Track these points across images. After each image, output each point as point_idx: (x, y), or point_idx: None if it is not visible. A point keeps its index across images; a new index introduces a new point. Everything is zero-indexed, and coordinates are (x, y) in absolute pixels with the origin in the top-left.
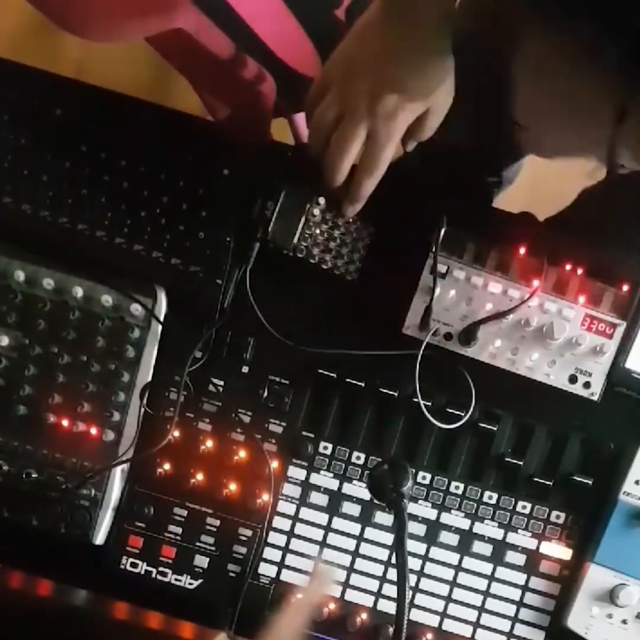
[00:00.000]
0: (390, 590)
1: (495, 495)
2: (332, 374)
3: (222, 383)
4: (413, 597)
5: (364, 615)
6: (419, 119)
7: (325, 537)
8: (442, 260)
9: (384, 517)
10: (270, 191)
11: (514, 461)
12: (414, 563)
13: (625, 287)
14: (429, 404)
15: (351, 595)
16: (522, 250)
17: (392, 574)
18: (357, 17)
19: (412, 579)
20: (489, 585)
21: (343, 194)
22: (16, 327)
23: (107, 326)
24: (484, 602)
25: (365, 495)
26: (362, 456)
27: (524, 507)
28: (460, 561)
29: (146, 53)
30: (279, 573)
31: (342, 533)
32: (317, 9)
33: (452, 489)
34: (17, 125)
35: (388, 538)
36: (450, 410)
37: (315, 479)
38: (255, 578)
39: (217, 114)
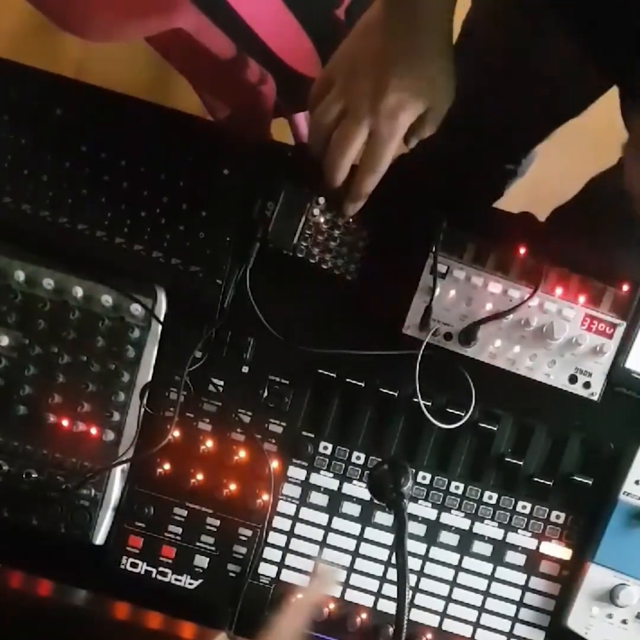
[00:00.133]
0: (390, 590)
1: (495, 495)
2: (332, 374)
3: (222, 383)
4: (413, 597)
5: (364, 615)
6: (420, 116)
7: (325, 537)
8: (442, 260)
9: (384, 517)
10: (270, 191)
11: (514, 461)
12: (414, 563)
13: (625, 287)
14: (429, 404)
15: (351, 595)
16: (522, 250)
17: (392, 574)
18: (357, 17)
19: (412, 579)
20: (489, 585)
21: (343, 194)
22: (16, 327)
23: (107, 326)
24: (484, 602)
25: (365, 495)
26: (362, 456)
27: (524, 507)
28: (460, 561)
29: (146, 53)
30: (279, 573)
31: (342, 533)
32: (317, 9)
33: (452, 489)
34: (17, 125)
35: (388, 538)
36: (450, 410)
37: (315, 479)
38: (255, 578)
39: (217, 114)
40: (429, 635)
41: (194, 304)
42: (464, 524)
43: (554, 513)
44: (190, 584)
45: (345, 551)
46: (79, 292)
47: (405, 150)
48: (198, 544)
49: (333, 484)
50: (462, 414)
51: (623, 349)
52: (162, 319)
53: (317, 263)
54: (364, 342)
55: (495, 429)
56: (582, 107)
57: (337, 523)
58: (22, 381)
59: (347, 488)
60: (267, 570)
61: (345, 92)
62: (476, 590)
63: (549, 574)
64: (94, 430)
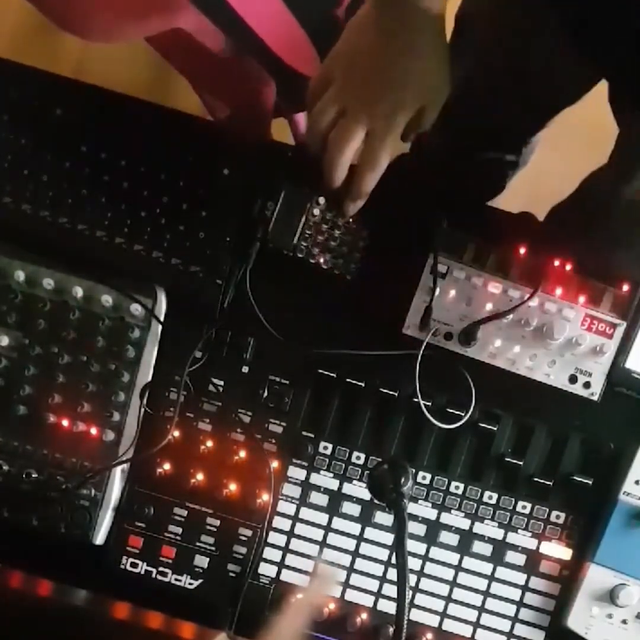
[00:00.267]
0: (390, 590)
1: (495, 495)
2: (332, 374)
3: (222, 383)
4: (413, 597)
5: (364, 615)
6: (417, 113)
7: (325, 537)
8: (442, 260)
9: (384, 517)
10: (270, 191)
11: (514, 461)
12: (414, 563)
13: (625, 287)
14: (429, 404)
15: (351, 595)
16: (522, 250)
17: (392, 574)
18: None
19: (412, 579)
20: (489, 585)
21: (343, 194)
22: (16, 327)
23: (107, 326)
24: (484, 602)
25: (365, 495)
26: (362, 456)
27: (524, 507)
28: (460, 561)
29: (146, 53)
30: (279, 573)
31: (342, 533)
32: (317, 8)
33: (452, 489)
34: (17, 125)
35: (388, 538)
36: (450, 410)
37: (315, 479)
38: (255, 578)
39: (217, 114)
40: (429, 635)
41: (194, 304)
42: (464, 524)
43: (554, 513)
44: (190, 584)
45: (345, 551)
46: (79, 292)
47: (405, 150)
48: (198, 544)
49: (333, 484)
50: (462, 414)
51: (623, 349)
52: (162, 319)
53: (317, 263)
54: (364, 342)
55: (495, 429)
56: (577, 97)
57: (337, 523)
58: (22, 381)
59: (347, 488)
60: (267, 570)
61: (342, 91)
62: (476, 590)
63: (549, 574)
64: (94, 430)
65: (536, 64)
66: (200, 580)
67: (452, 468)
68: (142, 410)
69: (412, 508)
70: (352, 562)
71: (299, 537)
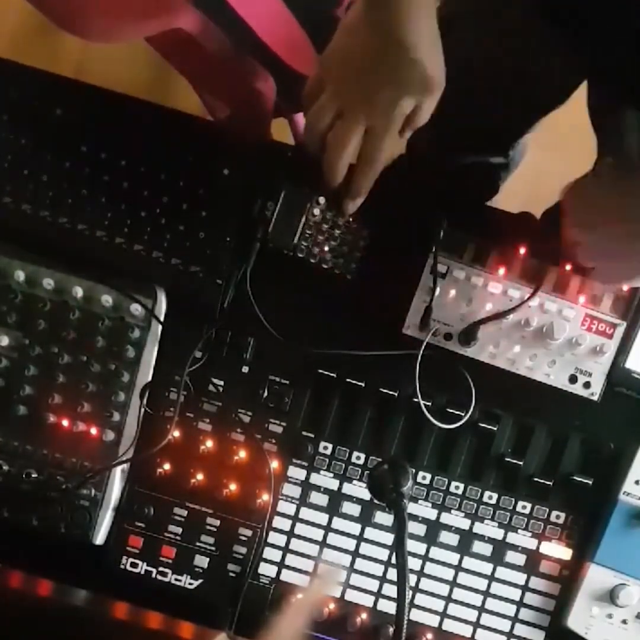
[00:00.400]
0: (390, 590)
1: (495, 495)
2: (332, 374)
3: (222, 383)
4: (413, 597)
5: (364, 615)
6: (414, 108)
7: (325, 537)
8: (442, 260)
9: (384, 517)
10: (270, 191)
11: (514, 461)
12: (414, 563)
13: (625, 287)
14: (429, 404)
15: (351, 595)
16: (522, 250)
17: (392, 574)
18: None
19: (412, 579)
20: (489, 585)
21: (344, 193)
22: (16, 327)
23: (107, 326)
24: (484, 602)
25: (365, 495)
26: (362, 456)
27: (524, 507)
28: (460, 561)
29: (146, 53)
30: (279, 573)
31: (342, 533)
32: (317, 8)
33: (452, 489)
34: (17, 125)
35: (388, 538)
36: (450, 410)
37: (315, 479)
38: (255, 578)
39: (217, 114)
40: (429, 635)
41: (194, 304)
42: (464, 524)
43: (554, 513)
44: (190, 584)
45: (345, 551)
46: (79, 292)
47: (403, 150)
48: (198, 544)
49: (333, 484)
50: (462, 414)
51: (623, 349)
52: (162, 319)
53: (317, 263)
54: (364, 342)
55: (495, 429)
56: (562, 100)
57: (337, 523)
58: (22, 381)
59: (347, 488)
60: (267, 570)
61: (338, 92)
62: (476, 590)
63: (549, 574)
64: (94, 430)
65: (520, 65)
66: (200, 580)
67: (452, 468)
68: (142, 410)
69: (412, 508)
70: (352, 562)
71: (299, 537)
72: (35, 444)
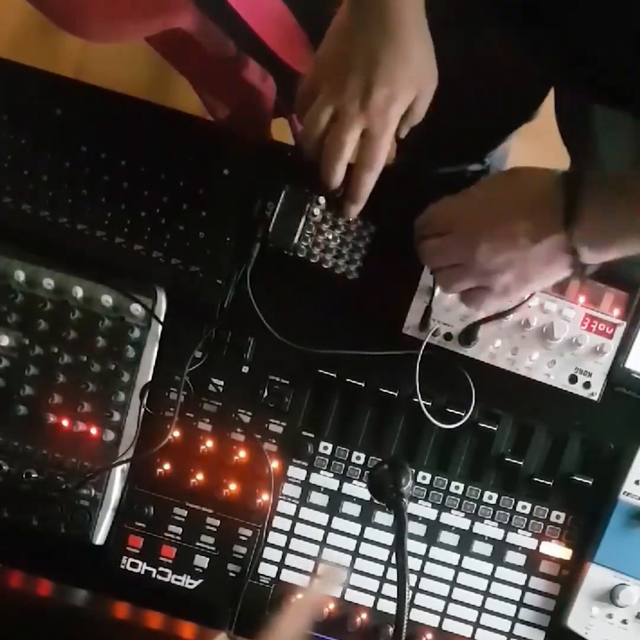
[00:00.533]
0: (390, 590)
1: (495, 495)
2: (332, 374)
3: (222, 383)
4: (413, 597)
5: (364, 615)
6: (409, 105)
7: (325, 537)
8: None
9: (384, 517)
10: (270, 191)
11: (514, 461)
12: (414, 563)
13: (625, 287)
14: (429, 404)
15: (351, 595)
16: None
17: (392, 574)
18: None
19: (412, 579)
20: (489, 585)
21: (344, 196)
22: (16, 327)
23: (107, 326)
24: (484, 602)
25: (365, 495)
26: (362, 456)
27: (524, 507)
28: (460, 561)
29: (146, 53)
30: (279, 573)
31: (342, 533)
32: (317, 8)
33: (452, 489)
34: (17, 125)
35: (388, 538)
36: (450, 410)
37: (315, 479)
38: (255, 578)
39: (217, 114)
40: (429, 635)
41: (194, 304)
42: (464, 524)
43: (554, 513)
44: (190, 584)
45: (345, 551)
46: (79, 292)
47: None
48: (198, 544)
49: (333, 484)
50: (462, 414)
51: (623, 349)
52: (162, 319)
53: (317, 263)
54: (364, 342)
55: (495, 429)
56: (532, 111)
57: (337, 523)
58: (22, 381)
59: (347, 488)
60: (267, 570)
61: (333, 95)
62: (476, 590)
63: (549, 574)
64: (94, 430)
65: (493, 76)
66: (200, 580)
67: (452, 468)
68: (142, 410)
69: (412, 508)
70: (352, 562)
71: (299, 537)
72: (35, 444)
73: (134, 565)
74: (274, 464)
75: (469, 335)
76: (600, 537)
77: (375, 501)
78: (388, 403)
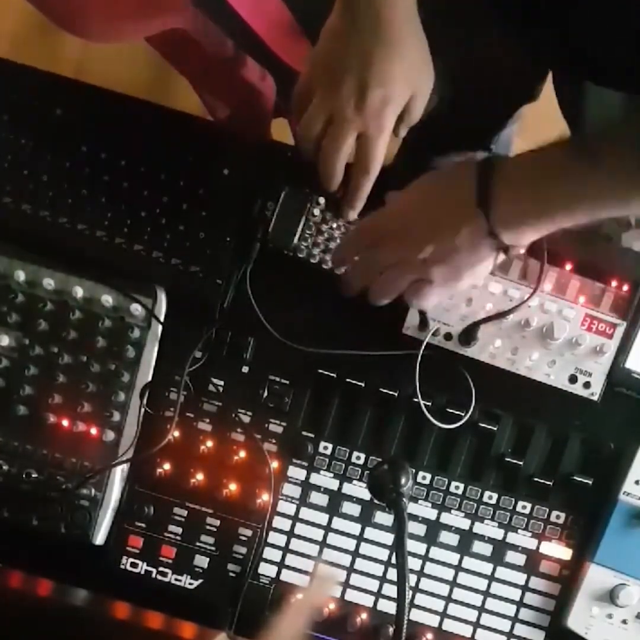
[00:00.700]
0: (390, 590)
1: (495, 495)
2: (332, 374)
3: (222, 383)
4: (413, 597)
5: (364, 615)
6: (406, 105)
7: (325, 537)
8: None
9: (384, 517)
10: (271, 191)
11: (514, 461)
12: (414, 563)
13: (625, 287)
14: (429, 404)
15: (351, 595)
16: (522, 250)
17: (392, 574)
18: None
19: (412, 579)
20: (489, 585)
21: (343, 198)
22: (16, 327)
23: (107, 326)
24: (484, 602)
25: (365, 495)
26: (362, 456)
27: (524, 507)
28: (460, 561)
29: (146, 53)
30: (279, 573)
31: (342, 533)
32: (317, 8)
33: (452, 489)
34: (17, 125)
35: (388, 538)
36: (450, 410)
37: (315, 479)
38: (255, 578)
39: (217, 114)
40: (429, 635)
41: (194, 304)
42: (464, 524)
43: (554, 513)
44: (190, 584)
45: (345, 551)
46: (79, 292)
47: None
48: (198, 544)
49: (333, 484)
50: (462, 414)
51: (623, 349)
52: (162, 319)
53: (317, 263)
54: (364, 342)
55: (495, 429)
56: (532, 92)
57: (337, 523)
58: (22, 381)
59: (347, 488)
60: (267, 570)
61: (328, 99)
62: (476, 590)
63: (549, 574)
64: (94, 430)
65: (491, 63)
66: (200, 580)
67: (452, 468)
68: (142, 410)
69: (412, 508)
70: (352, 562)
71: (299, 537)
72: (35, 444)
73: (134, 565)
74: (274, 464)
75: (469, 335)
76: (600, 537)
77: (375, 501)
78: (388, 403)
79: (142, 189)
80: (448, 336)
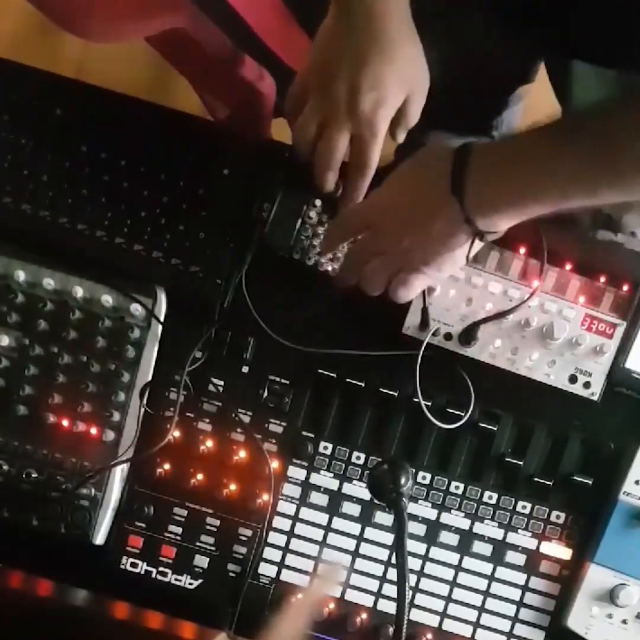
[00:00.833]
0: (390, 590)
1: (495, 495)
2: (332, 374)
3: (222, 383)
4: (413, 597)
5: (364, 615)
6: (401, 107)
7: (325, 537)
8: None
9: (384, 517)
10: (270, 191)
11: (514, 461)
12: (414, 563)
13: (625, 287)
14: (429, 404)
15: (351, 595)
16: (522, 250)
17: (392, 574)
18: None
19: (412, 579)
20: (489, 585)
21: (340, 199)
22: (17, 327)
23: (107, 326)
24: (484, 602)
25: (365, 495)
26: (362, 456)
27: (524, 507)
28: (460, 561)
29: (146, 53)
30: (279, 573)
31: (342, 533)
32: (317, 9)
33: (452, 489)
34: (17, 125)
35: (388, 538)
36: (450, 410)
37: (315, 479)
38: (255, 578)
39: (217, 114)
40: (429, 635)
41: (194, 304)
42: (464, 524)
43: (554, 513)
44: (190, 584)
45: (345, 551)
46: (79, 292)
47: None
48: (198, 544)
49: (333, 484)
50: (462, 414)
51: (623, 349)
52: (162, 319)
53: (313, 265)
54: (364, 342)
55: (495, 429)
56: (529, 73)
57: (337, 523)
58: (22, 381)
59: (347, 488)
60: (267, 570)
61: (321, 101)
62: (476, 590)
63: (549, 574)
64: (94, 430)
65: (485, 52)
66: (200, 580)
67: (452, 468)
68: (142, 410)
69: (412, 508)
70: (352, 562)
71: (299, 537)
72: (35, 444)
73: (134, 565)
74: (274, 464)
75: (469, 335)
76: (600, 537)
77: (375, 501)
78: (388, 403)
79: (142, 189)
80: (448, 336)
